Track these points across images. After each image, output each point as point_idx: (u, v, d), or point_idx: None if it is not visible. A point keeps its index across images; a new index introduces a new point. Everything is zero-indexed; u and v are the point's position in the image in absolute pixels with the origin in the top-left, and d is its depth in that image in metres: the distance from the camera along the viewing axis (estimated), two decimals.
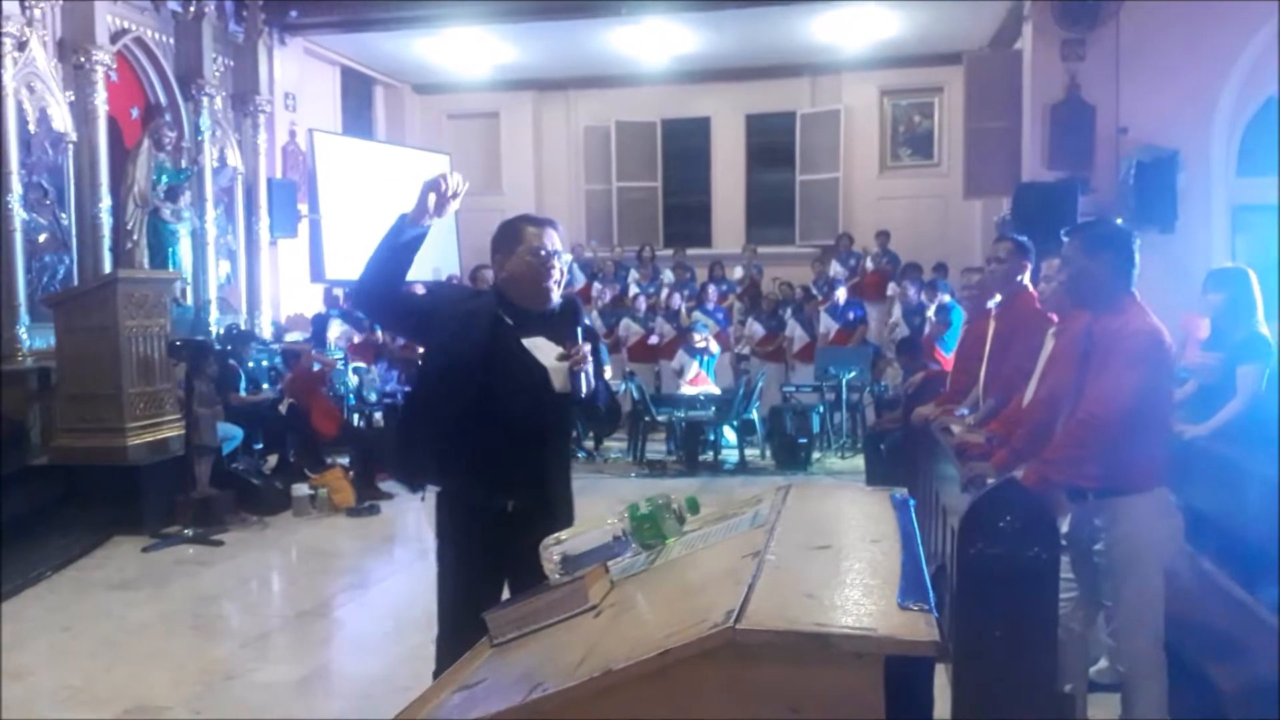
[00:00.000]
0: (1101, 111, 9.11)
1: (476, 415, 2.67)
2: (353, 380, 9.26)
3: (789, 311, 10.84)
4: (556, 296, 2.81)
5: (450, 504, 2.84)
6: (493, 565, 2.77)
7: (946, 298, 9.87)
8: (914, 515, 1.63)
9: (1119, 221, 3.23)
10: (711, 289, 11.32)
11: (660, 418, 9.37)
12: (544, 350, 2.75)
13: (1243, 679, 2.84)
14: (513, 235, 2.83)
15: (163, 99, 9.34)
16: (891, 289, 11.33)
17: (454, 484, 2.78)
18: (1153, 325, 2.92)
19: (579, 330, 2.74)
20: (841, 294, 10.67)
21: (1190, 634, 3.36)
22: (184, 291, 9.21)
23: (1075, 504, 3.00)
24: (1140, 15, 9.00)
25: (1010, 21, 10.57)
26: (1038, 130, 9.36)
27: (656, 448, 9.50)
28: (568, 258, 2.84)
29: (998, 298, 4.70)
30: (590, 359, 2.70)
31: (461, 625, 2.53)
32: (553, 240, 2.82)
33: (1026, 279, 4.50)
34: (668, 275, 12.02)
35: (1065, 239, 3.12)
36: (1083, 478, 2.97)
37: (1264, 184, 9.25)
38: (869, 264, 12.05)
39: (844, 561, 1.41)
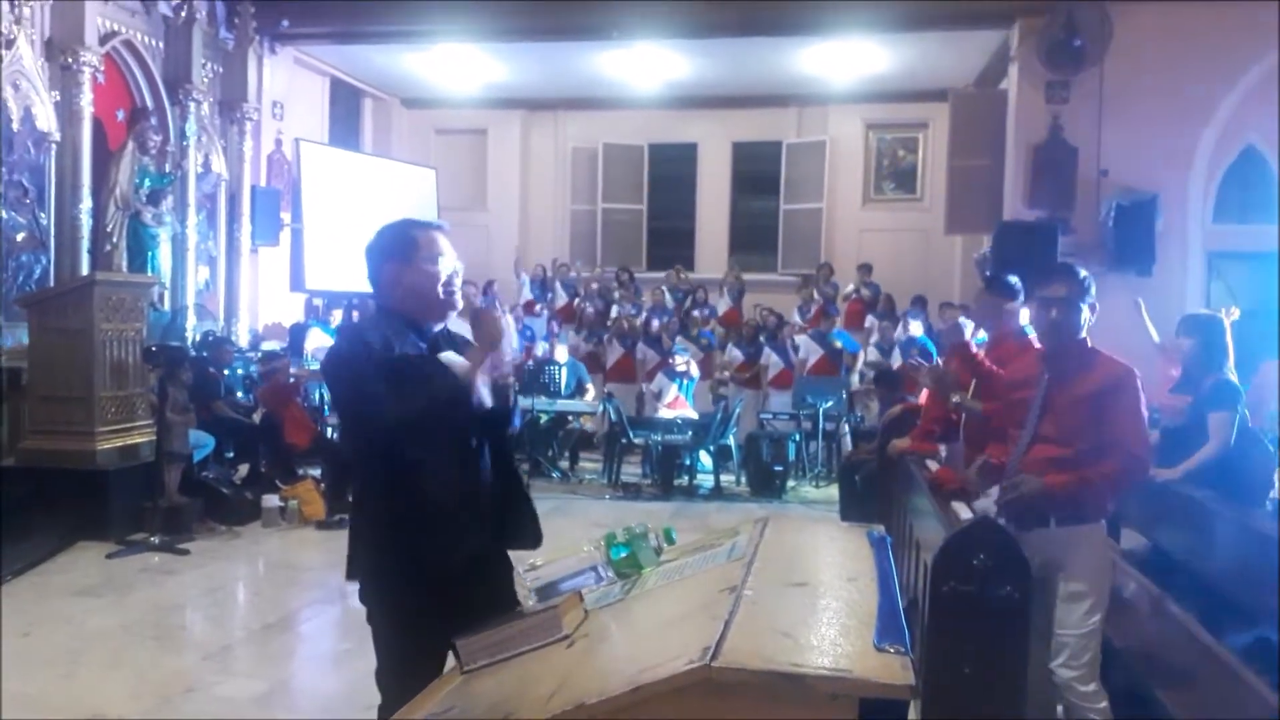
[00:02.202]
0: (1083, 153, 9.25)
1: (436, 468, 2.29)
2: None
3: (764, 338, 10.87)
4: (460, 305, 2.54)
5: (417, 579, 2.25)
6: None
7: (919, 331, 9.96)
8: (890, 553, 1.63)
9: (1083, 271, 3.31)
10: (696, 314, 11.36)
11: (637, 440, 9.36)
12: (456, 365, 2.43)
13: None
14: (409, 242, 2.47)
15: (149, 102, 9.29)
16: (869, 321, 11.40)
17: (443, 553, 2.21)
18: (1131, 367, 3.10)
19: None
20: (837, 320, 10.72)
21: (1158, 678, 3.38)
22: (161, 296, 9.12)
23: (1032, 533, 3.03)
24: (1124, 60, 9.15)
25: (996, 61, 10.72)
26: (1020, 169, 9.49)
27: (632, 470, 9.48)
28: (459, 266, 2.54)
29: (982, 334, 4.75)
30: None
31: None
32: (447, 245, 2.53)
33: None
34: (668, 298, 11.97)
35: (1057, 281, 3.17)
36: (1055, 504, 3.07)
37: (1239, 231, 9.41)
38: (851, 291, 12.12)
39: (821, 600, 1.40)
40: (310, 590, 6.07)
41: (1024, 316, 4.14)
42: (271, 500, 7.42)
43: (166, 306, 9.27)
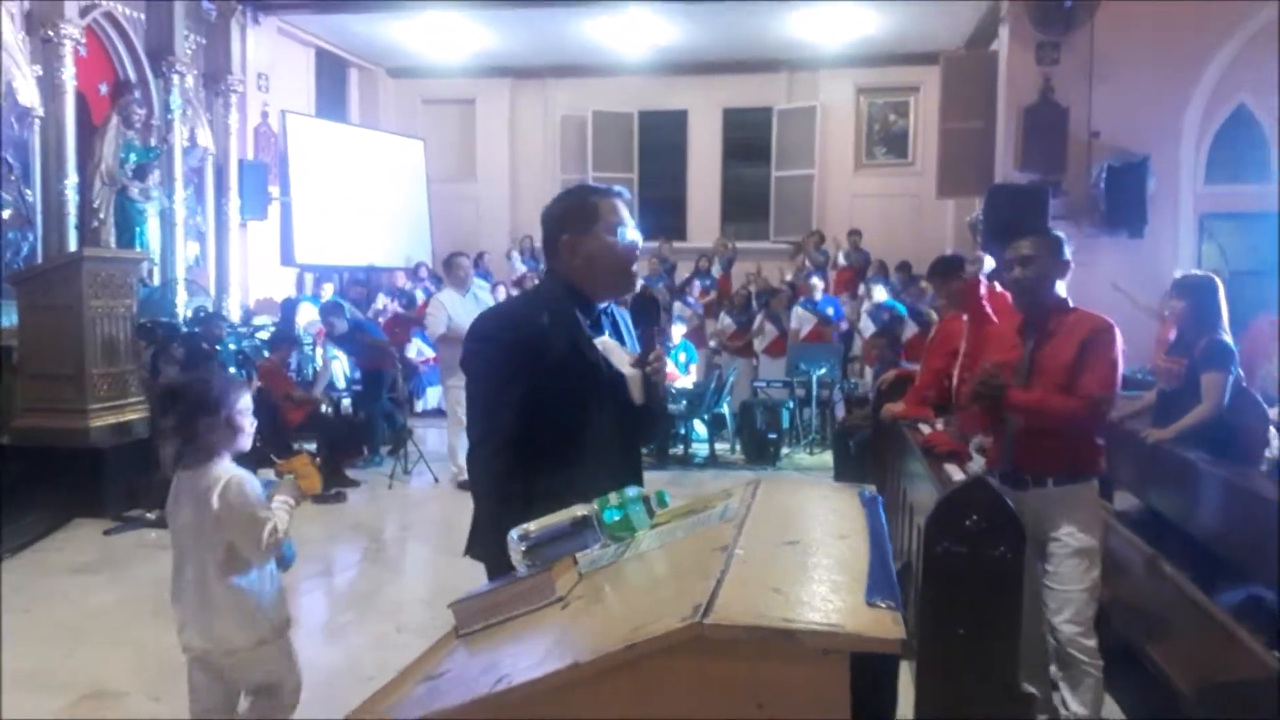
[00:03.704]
0: (1074, 115, 9.21)
1: (569, 455, 2.18)
2: (321, 366, 9.18)
3: (758, 305, 10.86)
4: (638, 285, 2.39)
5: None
6: None
7: (883, 297, 9.98)
8: (882, 512, 1.64)
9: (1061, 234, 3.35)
10: (696, 284, 11.36)
11: None
12: (615, 354, 2.28)
13: (1202, 682, 2.88)
14: (587, 211, 2.28)
15: (132, 76, 9.20)
16: (862, 288, 11.40)
17: None
18: (1110, 321, 3.15)
19: (653, 329, 2.33)
20: (817, 285, 10.68)
21: (1150, 636, 3.41)
22: (151, 272, 9.08)
23: (1028, 492, 3.06)
24: (1114, 20, 9.09)
25: (987, 23, 10.65)
26: (1011, 132, 9.44)
27: None
28: (639, 238, 2.34)
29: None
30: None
31: None
32: (628, 215, 2.32)
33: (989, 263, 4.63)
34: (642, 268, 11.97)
35: (1020, 241, 3.20)
36: (1047, 463, 3.11)
37: (1230, 192, 9.40)
38: (841, 259, 12.11)
39: (812, 557, 1.41)
40: (308, 564, 6.05)
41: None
42: (267, 474, 7.38)
43: (156, 282, 9.23)
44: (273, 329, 9.85)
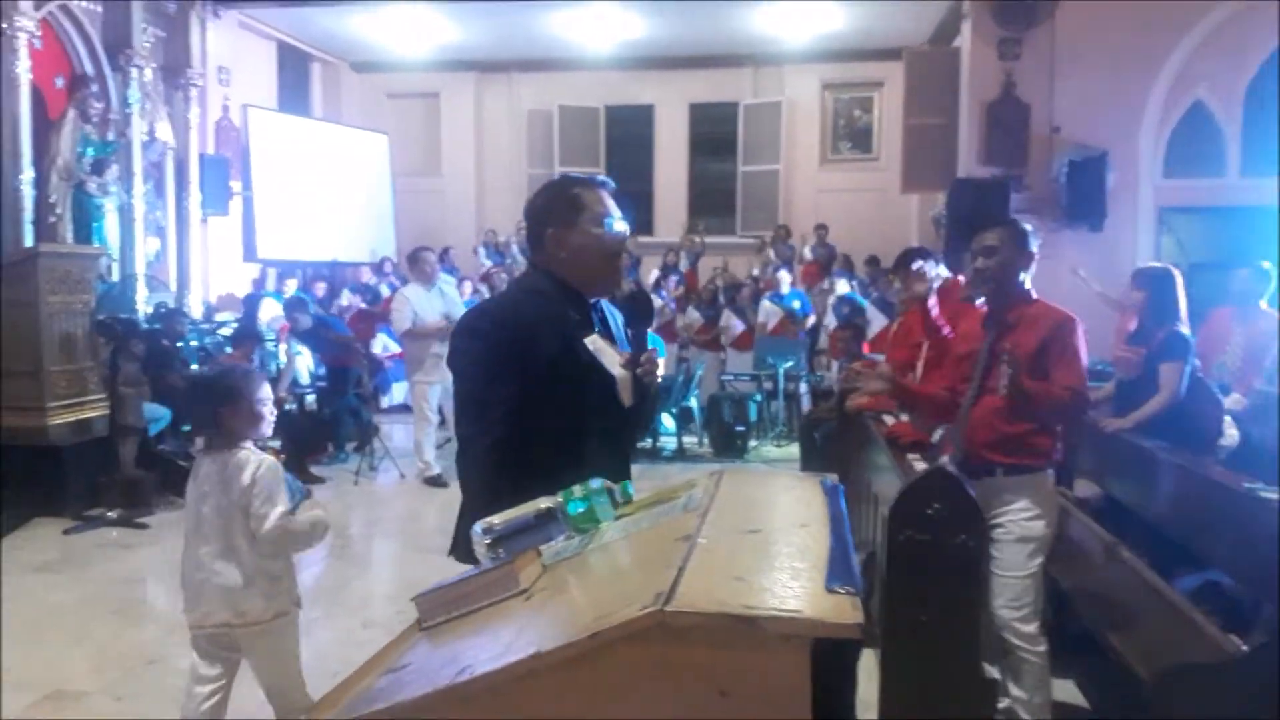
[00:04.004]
0: (1036, 110, 9.31)
1: (558, 455, 2.11)
2: (285, 363, 9.09)
3: (725, 300, 10.90)
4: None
5: None
6: None
7: (845, 289, 10.06)
8: (843, 500, 1.65)
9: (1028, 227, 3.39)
10: (672, 279, 11.37)
11: None
12: (606, 354, 2.21)
13: (1161, 666, 2.93)
14: (571, 203, 2.21)
15: (89, 69, 9.03)
16: (827, 282, 11.47)
17: None
18: (1071, 314, 3.19)
19: (645, 330, 2.30)
20: (784, 279, 10.72)
21: (1110, 622, 3.46)
22: (110, 268, 8.94)
23: (980, 481, 3.09)
24: (1074, 16, 9.21)
25: (950, 19, 10.74)
26: (974, 127, 9.54)
27: None
28: (627, 229, 2.30)
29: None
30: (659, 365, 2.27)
31: None
32: (614, 206, 2.25)
33: (945, 271, 4.68)
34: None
35: (985, 233, 3.24)
36: (998, 453, 3.15)
37: (1188, 185, 9.55)
38: (807, 254, 12.17)
39: (774, 545, 1.42)
40: None
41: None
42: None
43: (115, 278, 9.09)
44: (235, 325, 9.73)
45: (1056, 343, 3.10)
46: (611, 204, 2.23)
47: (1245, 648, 2.84)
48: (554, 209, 2.22)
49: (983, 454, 3.17)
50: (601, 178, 2.30)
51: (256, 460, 2.93)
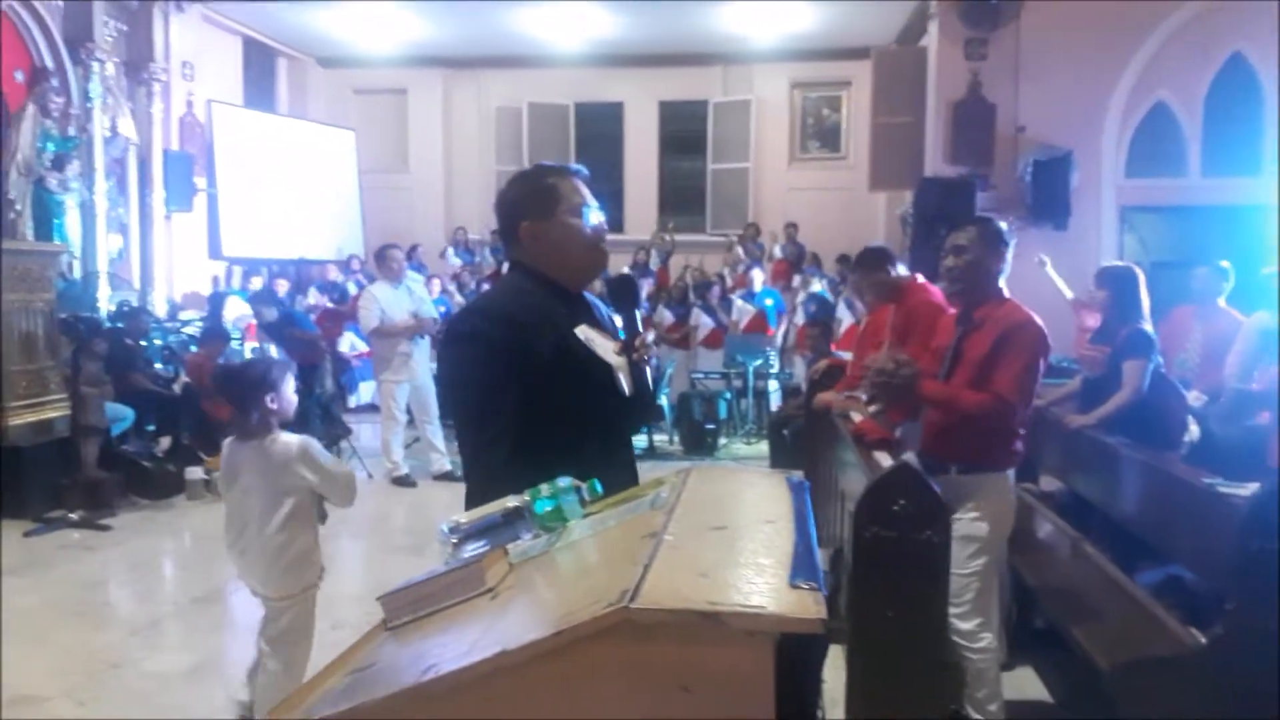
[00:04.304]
0: (1001, 110, 9.41)
1: (562, 452, 1.99)
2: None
3: (695, 298, 10.92)
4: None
5: None
6: None
7: (818, 288, 10.12)
8: (809, 497, 1.66)
9: (1004, 224, 3.41)
10: (648, 282, 11.37)
11: None
12: (598, 343, 2.13)
13: (1120, 657, 2.97)
14: (545, 194, 2.12)
15: (49, 63, 8.90)
16: (797, 280, 11.52)
17: None
18: (1036, 321, 3.17)
19: (634, 313, 2.21)
20: (758, 278, 10.76)
21: (1073, 615, 3.51)
22: (71, 265, 8.82)
23: (936, 478, 3.10)
24: (1039, 18, 9.31)
25: (917, 19, 10.82)
26: (940, 126, 9.62)
27: None
28: (603, 217, 2.21)
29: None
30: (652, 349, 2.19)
31: None
32: (589, 194, 2.17)
33: (904, 271, 4.73)
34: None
35: (958, 230, 3.25)
36: (952, 452, 3.16)
37: (1150, 185, 9.70)
38: (777, 252, 12.22)
39: (739, 542, 1.42)
40: None
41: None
42: (196, 472, 7.26)
43: (77, 275, 8.97)
44: (200, 323, 9.63)
45: (1003, 345, 3.09)
46: (587, 192, 2.15)
47: (1204, 641, 2.89)
48: (527, 202, 2.13)
49: (937, 452, 3.20)
50: (574, 165, 2.22)
51: (300, 442, 3.19)
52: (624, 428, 2.25)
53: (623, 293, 2.25)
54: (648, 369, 2.16)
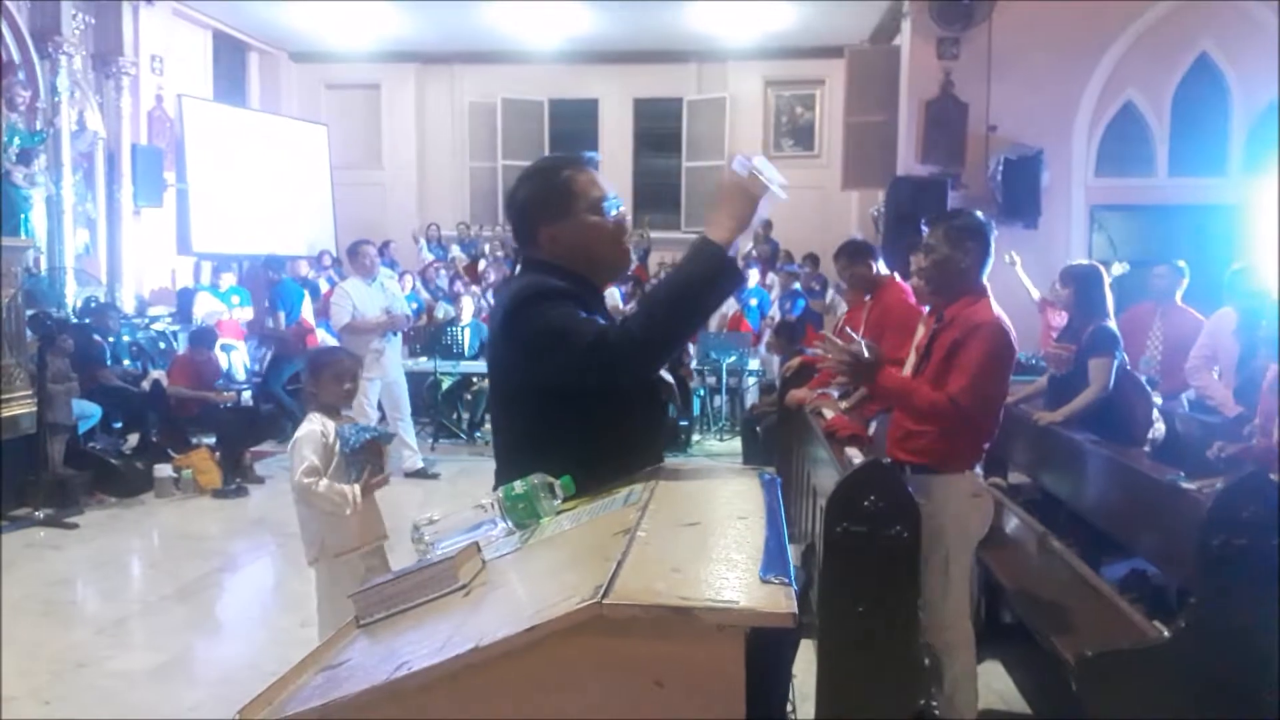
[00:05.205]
0: (973, 109, 9.47)
1: (598, 439, 1.91)
2: (222, 359, 8.93)
3: None
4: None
5: None
6: None
7: (753, 283, 10.19)
8: (780, 493, 1.68)
9: (979, 214, 3.37)
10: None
11: None
12: None
13: (1086, 651, 3.01)
14: (562, 192, 1.99)
15: (15, 56, 8.77)
16: (771, 277, 11.57)
17: None
18: (1000, 321, 3.10)
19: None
20: (752, 277, 10.79)
21: (1039, 609, 3.55)
22: (37, 260, 8.70)
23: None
24: (1010, 17, 9.38)
25: (890, 18, 10.88)
26: (913, 125, 9.67)
27: None
28: (623, 207, 2.10)
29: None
30: None
31: None
32: (607, 185, 2.04)
33: (884, 269, 4.75)
34: None
35: (926, 228, 3.26)
36: (909, 451, 3.15)
37: (1118, 185, 9.81)
38: (753, 251, 12.26)
39: (711, 538, 1.43)
40: (208, 560, 5.91)
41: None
42: (164, 470, 7.19)
43: (43, 271, 8.85)
44: (169, 320, 9.54)
45: (960, 347, 3.04)
46: (604, 182, 2.02)
47: (1168, 634, 2.94)
48: (543, 203, 1.99)
49: (894, 451, 3.20)
50: (587, 154, 2.08)
51: (306, 427, 3.42)
52: (659, 424, 2.14)
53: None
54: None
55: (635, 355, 1.83)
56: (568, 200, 1.97)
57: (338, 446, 3.40)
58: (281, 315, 9.04)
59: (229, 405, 7.97)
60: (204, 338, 8.11)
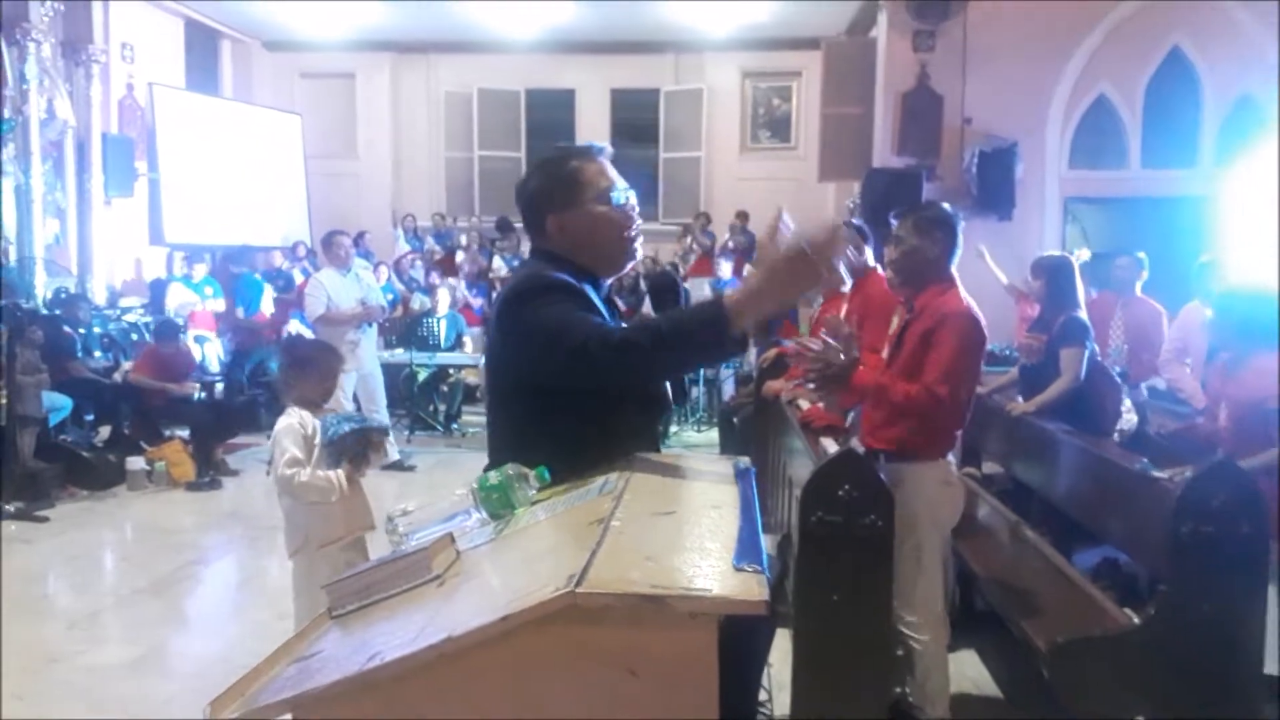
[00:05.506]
0: (948, 101, 9.52)
1: (594, 435, 1.90)
2: (196, 351, 8.86)
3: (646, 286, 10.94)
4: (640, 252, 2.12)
5: None
6: None
7: (727, 275, 10.22)
8: (754, 482, 1.68)
9: (946, 206, 3.42)
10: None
11: None
12: None
13: (1057, 638, 3.05)
14: (570, 182, 2.00)
15: None
16: (748, 269, 11.58)
17: None
18: (970, 310, 3.16)
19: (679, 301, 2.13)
20: (726, 268, 10.80)
21: (1012, 597, 3.58)
22: (6, 251, 8.58)
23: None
24: (985, 11, 9.43)
25: (866, 10, 10.90)
26: (889, 117, 9.71)
27: None
28: (633, 198, 2.09)
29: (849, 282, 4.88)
30: None
31: None
32: (617, 175, 2.04)
33: (871, 260, 4.71)
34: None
35: (895, 220, 3.29)
36: (882, 441, 3.19)
37: (1091, 177, 9.90)
38: (729, 242, 12.28)
39: (685, 526, 1.44)
40: (183, 552, 5.87)
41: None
42: (137, 462, 7.13)
43: (12, 261, 8.74)
44: (141, 311, 9.44)
45: (932, 336, 3.08)
46: (614, 173, 2.03)
47: (1138, 621, 2.97)
48: (552, 191, 2.00)
49: (868, 440, 3.24)
50: (597, 145, 2.10)
51: (285, 420, 3.39)
52: (660, 400, 2.13)
53: (664, 289, 2.19)
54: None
55: (613, 371, 1.83)
56: (575, 189, 1.98)
57: (317, 439, 3.38)
58: (240, 310, 8.96)
59: (197, 398, 7.90)
60: (168, 330, 8.03)
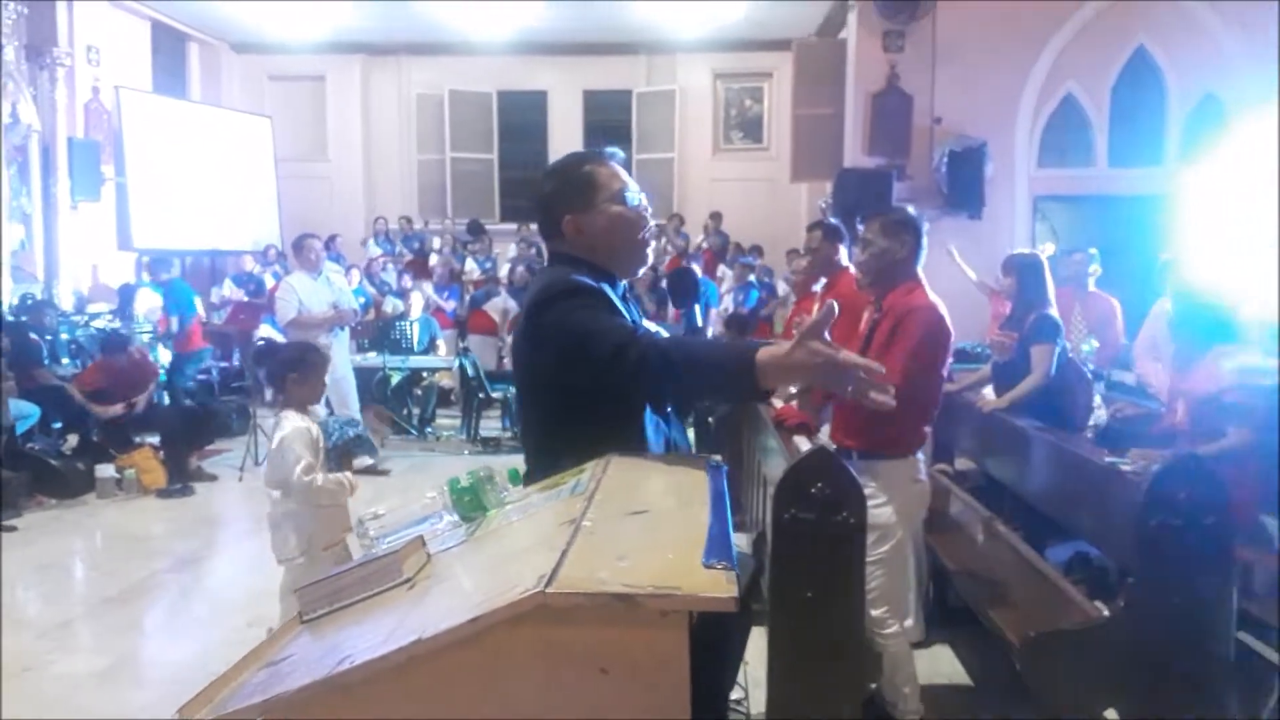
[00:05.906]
0: (918, 102, 9.59)
1: (615, 435, 1.91)
2: (164, 356, 8.77)
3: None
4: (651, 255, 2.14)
5: None
6: None
7: (749, 276, 10.26)
8: (726, 479, 1.69)
9: (911, 209, 3.48)
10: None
11: (495, 394, 9.29)
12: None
13: (1028, 630, 3.08)
14: (585, 184, 2.05)
15: None
16: (723, 269, 11.62)
17: None
18: (935, 306, 3.23)
19: (694, 306, 2.16)
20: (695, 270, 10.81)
21: (985, 591, 3.61)
22: None
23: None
24: (954, 11, 9.51)
25: (837, 11, 10.96)
26: (860, 118, 9.76)
27: (492, 424, 9.42)
28: (646, 200, 2.15)
29: (822, 280, 4.90)
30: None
31: None
32: (630, 179, 2.09)
33: (845, 260, 4.72)
34: (510, 250, 11.89)
35: (862, 223, 3.34)
36: (854, 437, 3.23)
37: (1060, 175, 10.00)
38: (702, 242, 12.31)
39: (657, 525, 1.44)
40: (154, 560, 5.80)
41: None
42: (107, 470, 7.04)
43: None
44: (109, 316, 9.33)
45: (895, 331, 3.16)
46: (626, 175, 2.09)
47: (1108, 614, 3.01)
48: (567, 193, 2.05)
49: (839, 437, 3.27)
50: (610, 149, 2.15)
51: (288, 425, 3.42)
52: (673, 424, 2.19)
53: (682, 286, 2.26)
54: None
55: (645, 382, 1.89)
56: (590, 191, 2.03)
57: (322, 442, 3.47)
58: (174, 320, 8.83)
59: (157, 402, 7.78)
60: (114, 343, 7.90)
